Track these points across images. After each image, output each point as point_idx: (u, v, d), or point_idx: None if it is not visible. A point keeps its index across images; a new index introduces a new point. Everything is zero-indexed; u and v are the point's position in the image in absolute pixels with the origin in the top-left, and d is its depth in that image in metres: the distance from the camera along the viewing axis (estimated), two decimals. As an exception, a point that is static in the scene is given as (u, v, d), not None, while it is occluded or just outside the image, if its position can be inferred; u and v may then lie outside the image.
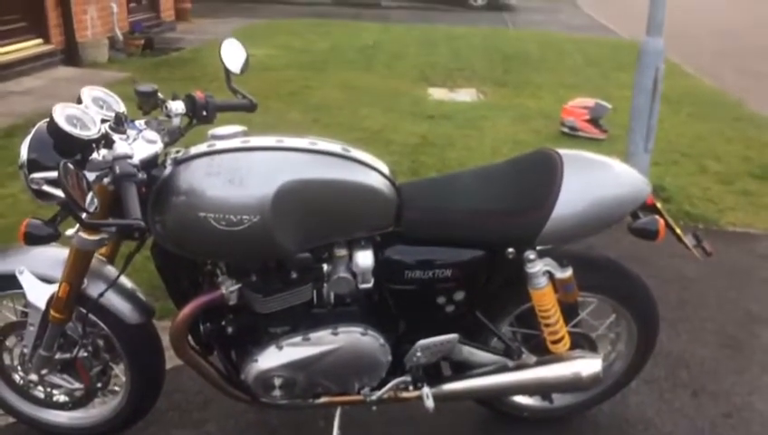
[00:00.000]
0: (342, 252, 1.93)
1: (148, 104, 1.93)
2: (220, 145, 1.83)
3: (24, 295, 2.01)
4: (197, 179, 1.77)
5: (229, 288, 1.91)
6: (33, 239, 1.73)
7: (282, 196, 1.76)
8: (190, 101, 1.98)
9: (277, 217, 1.76)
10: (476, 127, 5.57)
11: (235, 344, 2.06)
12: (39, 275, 1.98)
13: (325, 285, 1.97)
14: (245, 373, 2.02)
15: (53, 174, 1.70)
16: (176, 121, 1.95)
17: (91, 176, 1.66)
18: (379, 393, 2.11)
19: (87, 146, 1.72)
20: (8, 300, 2.13)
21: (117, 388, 2.20)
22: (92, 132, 1.72)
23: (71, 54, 7.20)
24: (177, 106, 1.95)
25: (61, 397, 2.19)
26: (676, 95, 6.74)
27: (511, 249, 1.96)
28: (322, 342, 1.99)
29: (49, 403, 2.20)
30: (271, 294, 1.92)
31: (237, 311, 1.98)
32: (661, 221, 1.98)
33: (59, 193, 1.71)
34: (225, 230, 1.75)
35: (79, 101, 1.84)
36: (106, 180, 1.69)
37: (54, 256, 2.03)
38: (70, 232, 1.85)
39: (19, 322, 2.09)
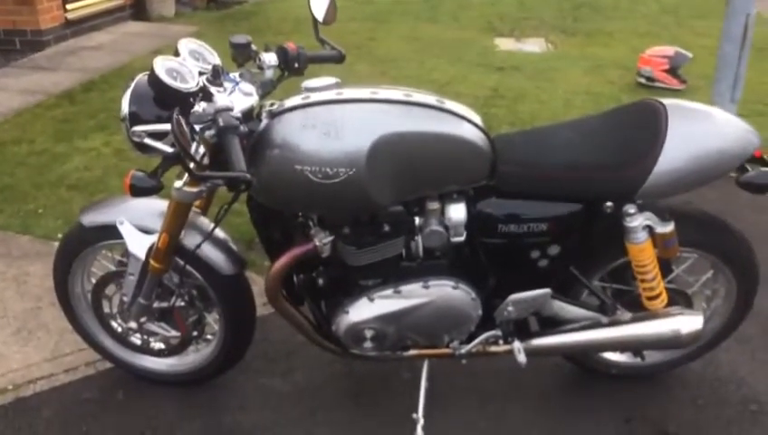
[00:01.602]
0: (435, 205, 1.91)
1: (241, 56, 1.93)
2: (315, 97, 1.82)
3: (124, 245, 2.06)
4: (293, 132, 1.77)
5: (322, 241, 1.91)
6: (138, 191, 1.75)
7: (377, 148, 1.74)
8: (282, 53, 1.97)
9: (372, 169, 1.74)
10: (547, 78, 5.42)
11: (326, 296, 2.08)
12: (138, 225, 2.03)
13: (417, 238, 1.96)
14: (336, 325, 2.04)
15: (155, 127, 1.74)
16: (268, 74, 1.94)
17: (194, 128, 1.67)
18: (468, 347, 2.10)
19: (186, 98, 1.73)
20: (107, 250, 2.19)
21: (210, 336, 2.26)
22: (191, 85, 1.73)
23: (139, 9, 7.27)
24: (270, 58, 1.93)
25: (157, 344, 2.26)
26: (761, 42, 6.39)
27: (609, 203, 1.90)
28: (413, 295, 1.99)
29: (145, 350, 2.27)
30: (363, 247, 1.92)
31: (329, 263, 1.99)
32: (773, 173, 1.89)
33: (160, 146, 1.74)
34: (320, 183, 1.75)
35: (176, 54, 1.85)
36: (208, 133, 1.70)
37: (152, 208, 2.08)
38: (177, 184, 1.87)
39: (118, 271, 2.15)
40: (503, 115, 4.54)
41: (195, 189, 1.88)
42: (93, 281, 2.24)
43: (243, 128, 1.67)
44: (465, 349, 2.11)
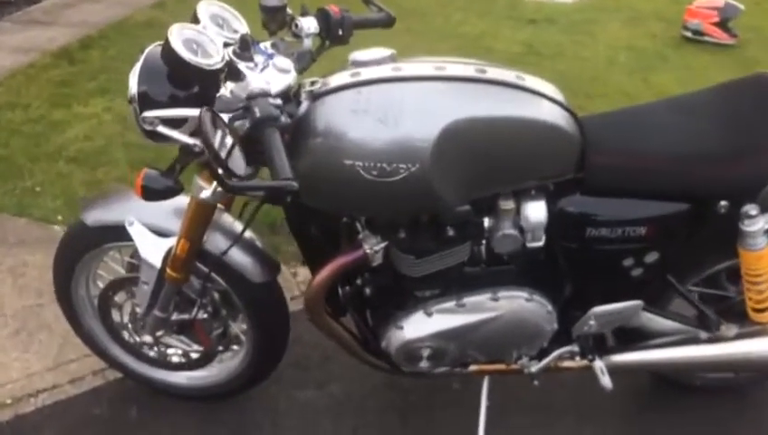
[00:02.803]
0: (509, 204, 1.57)
1: (275, 22, 1.57)
2: (367, 74, 1.46)
3: (134, 249, 1.74)
4: (342, 118, 1.42)
5: (374, 247, 1.59)
6: (152, 194, 1.43)
7: (446, 138, 1.39)
8: (323, 17, 1.61)
9: (440, 164, 1.40)
10: (585, 32, 4.98)
11: (374, 308, 1.77)
12: (151, 226, 1.70)
13: (485, 242, 1.63)
14: (387, 341, 1.73)
15: (170, 112, 1.40)
16: (307, 43, 1.59)
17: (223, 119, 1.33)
18: (541, 364, 1.80)
19: (210, 77, 1.39)
20: (115, 251, 1.87)
21: (236, 347, 1.96)
22: (216, 60, 1.38)
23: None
24: (310, 24, 1.58)
25: (176, 357, 1.96)
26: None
27: (724, 202, 1.56)
28: (480, 308, 1.67)
29: (162, 363, 1.97)
30: (424, 256, 1.59)
31: (378, 270, 1.67)
32: None
33: (177, 135, 1.42)
34: (376, 181, 1.41)
35: (195, 20, 1.49)
36: (238, 123, 1.36)
37: (167, 205, 1.72)
38: (200, 182, 1.55)
39: (129, 277, 1.84)
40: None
41: (220, 188, 1.54)
42: (100, 285, 1.93)
43: (284, 118, 1.33)
44: (536, 366, 1.80)
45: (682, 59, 4.54)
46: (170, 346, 1.90)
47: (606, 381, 1.74)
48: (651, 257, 1.64)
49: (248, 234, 1.78)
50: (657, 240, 1.61)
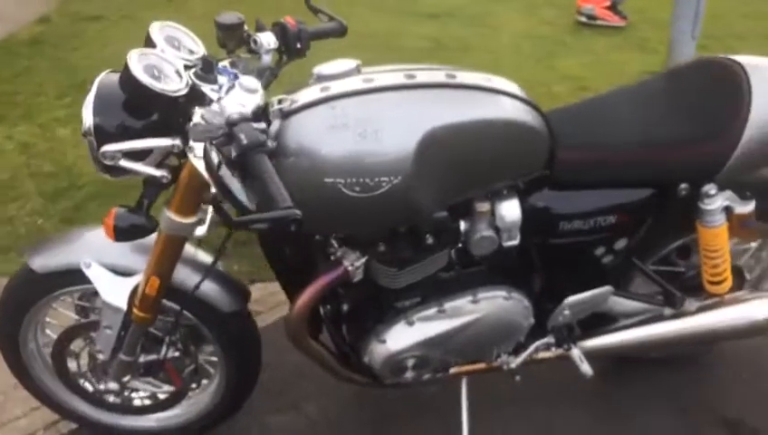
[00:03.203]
0: (485, 206, 1.57)
1: (233, 40, 1.50)
2: (337, 87, 1.41)
3: (92, 292, 1.63)
4: (318, 136, 1.36)
5: (354, 263, 1.55)
6: (125, 234, 1.34)
7: (425, 147, 1.37)
8: (281, 31, 1.55)
9: (420, 173, 1.38)
10: (486, 24, 5.08)
11: (353, 324, 1.73)
12: (110, 266, 1.59)
13: (462, 246, 1.63)
14: (369, 356, 1.70)
15: (132, 144, 1.32)
16: (266, 59, 1.52)
17: (199, 148, 1.25)
18: (519, 359, 1.83)
19: (174, 103, 1.31)
20: (66, 296, 1.73)
21: (205, 381, 1.87)
22: (181, 85, 1.31)
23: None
24: (268, 39, 1.51)
25: (142, 401, 1.85)
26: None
27: (685, 185, 1.63)
28: (461, 312, 1.67)
29: (128, 409, 1.85)
30: (405, 266, 1.57)
31: (356, 286, 1.63)
32: None
33: (143, 169, 1.34)
34: (358, 197, 1.37)
35: (149, 44, 1.40)
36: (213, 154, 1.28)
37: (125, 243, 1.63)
38: (169, 214, 1.46)
39: (86, 323, 1.71)
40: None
41: (192, 220, 1.46)
42: (50, 334, 1.79)
43: (270, 143, 1.26)
44: (515, 362, 1.82)
45: (581, 43, 4.73)
46: (137, 390, 1.78)
47: (585, 367, 1.79)
48: (620, 244, 1.69)
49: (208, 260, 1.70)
50: (626, 227, 1.66)
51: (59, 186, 3.06)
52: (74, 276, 1.60)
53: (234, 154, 1.21)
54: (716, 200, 1.64)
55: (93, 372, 1.77)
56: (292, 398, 2.09)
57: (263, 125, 1.27)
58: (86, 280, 1.60)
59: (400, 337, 1.67)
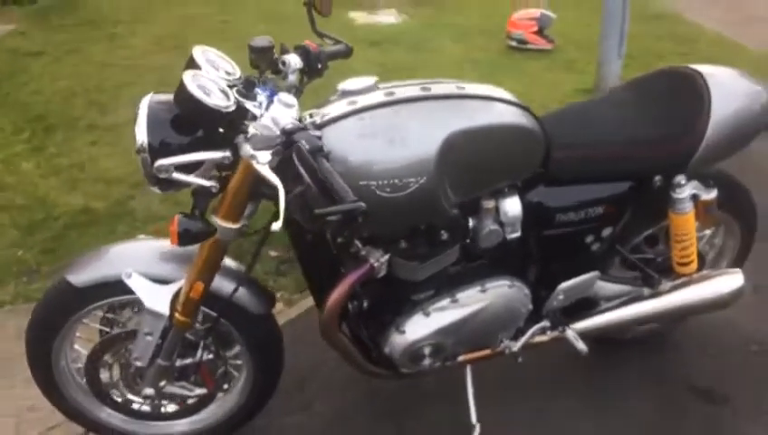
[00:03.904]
0: (490, 203, 1.77)
1: (264, 61, 1.64)
2: (364, 101, 1.59)
3: (119, 305, 1.73)
4: (352, 144, 1.53)
5: (379, 260, 1.71)
6: (189, 238, 1.45)
7: (445, 150, 1.56)
8: (304, 53, 1.70)
9: (441, 174, 1.57)
10: (425, 50, 5.38)
11: (373, 318, 1.87)
12: (149, 275, 1.68)
13: (470, 241, 1.81)
14: (390, 347, 1.85)
15: (183, 158, 1.44)
16: (292, 78, 1.67)
17: (266, 157, 1.38)
18: (520, 343, 2.01)
19: (225, 118, 1.44)
20: (98, 310, 1.80)
21: (228, 384, 1.96)
22: (230, 102, 1.44)
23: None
24: (294, 60, 1.66)
25: (171, 407, 1.92)
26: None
27: (659, 177, 1.88)
28: (471, 301, 1.85)
29: (158, 416, 1.93)
30: (425, 260, 1.74)
31: (376, 283, 1.78)
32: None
33: (195, 180, 1.46)
34: (389, 197, 1.54)
35: (192, 65, 1.53)
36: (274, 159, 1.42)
37: (159, 253, 1.75)
38: (218, 221, 1.56)
39: (122, 333, 1.78)
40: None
41: (237, 225, 1.58)
42: (78, 348, 1.85)
43: (325, 148, 1.41)
44: (516, 346, 2.00)
45: (516, 65, 5.07)
46: (171, 395, 1.86)
47: (581, 345, 1.99)
48: (607, 232, 1.92)
49: (236, 266, 1.81)
50: (612, 216, 1.89)
51: (34, 218, 3.07)
52: (111, 288, 1.69)
53: (297, 160, 1.35)
54: (686, 189, 1.89)
55: (126, 382, 1.84)
56: (303, 399, 2.20)
57: (318, 132, 1.42)
58: (123, 291, 1.69)
59: (418, 327, 1.83)
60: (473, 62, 5.11)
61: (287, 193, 1.35)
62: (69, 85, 4.41)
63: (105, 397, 1.88)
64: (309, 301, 2.61)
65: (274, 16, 6.12)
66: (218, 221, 1.57)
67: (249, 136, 1.42)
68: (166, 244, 1.77)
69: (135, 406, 1.90)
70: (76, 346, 1.86)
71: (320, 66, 1.73)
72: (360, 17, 6.65)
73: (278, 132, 1.42)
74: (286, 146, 1.39)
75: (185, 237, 1.44)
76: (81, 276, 1.69)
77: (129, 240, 1.84)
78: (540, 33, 5.40)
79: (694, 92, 1.85)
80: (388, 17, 6.71)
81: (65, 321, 1.75)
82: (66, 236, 2.95)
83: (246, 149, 1.44)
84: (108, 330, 1.82)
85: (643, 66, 5.03)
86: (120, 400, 1.89)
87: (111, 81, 4.53)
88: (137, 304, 1.79)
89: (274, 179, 1.35)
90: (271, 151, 1.40)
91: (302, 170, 1.29)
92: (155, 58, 5.08)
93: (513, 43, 5.44)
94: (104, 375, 1.86)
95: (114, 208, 3.14)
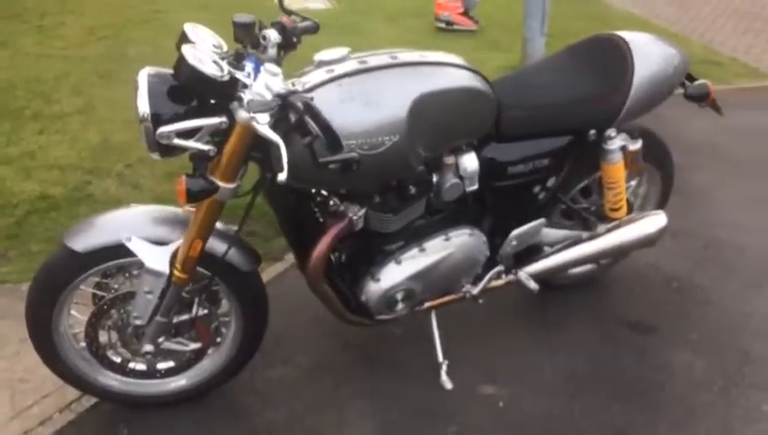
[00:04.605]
0: (451, 160, 1.99)
1: (246, 36, 1.80)
2: (340, 69, 1.79)
3: (114, 269, 1.88)
4: (334, 108, 1.71)
5: (357, 214, 1.91)
6: (196, 195, 1.60)
7: (414, 111, 1.77)
8: (281, 29, 1.87)
9: (411, 133, 1.78)
10: (358, 32, 5.57)
11: (350, 270, 2.07)
12: (147, 238, 1.83)
13: (434, 194, 2.03)
14: (366, 295, 2.06)
15: (183, 124, 1.60)
16: (271, 52, 1.84)
17: (265, 118, 1.56)
18: (479, 287, 2.24)
19: (224, 87, 1.61)
20: (95, 275, 1.92)
21: (219, 338, 2.12)
22: (225, 72, 1.61)
23: None
24: (274, 35, 1.83)
25: (165, 364, 2.08)
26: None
27: (593, 131, 2.15)
28: (437, 249, 2.07)
29: (154, 373, 2.07)
30: (398, 212, 1.95)
31: (351, 237, 1.98)
32: (710, 84, 2.26)
33: (194, 144, 1.62)
34: (366, 155, 1.74)
35: (184, 40, 1.68)
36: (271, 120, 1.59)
37: (154, 216, 1.89)
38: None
39: (119, 296, 1.92)
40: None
41: (233, 185, 1.74)
42: (74, 313, 1.97)
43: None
44: (476, 290, 2.24)
45: (444, 45, 5.28)
46: (168, 351, 2.00)
47: (533, 284, 2.25)
48: (551, 182, 2.18)
49: (225, 227, 1.97)
50: (555, 167, 2.15)
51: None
52: (111, 252, 1.82)
53: (293, 118, 1.54)
54: (616, 141, 2.18)
55: (124, 342, 1.97)
56: (282, 354, 2.37)
57: (310, 94, 1.60)
58: (122, 254, 1.83)
59: (391, 275, 2.04)
60: (404, 42, 5.29)
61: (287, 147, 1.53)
62: (7, 77, 4.38)
63: (103, 359, 2.01)
64: (277, 268, 2.79)
65: (204, 5, 6.18)
66: (218, 181, 1.73)
67: (246, 101, 1.59)
68: (158, 209, 1.93)
69: (132, 365, 2.04)
70: (72, 311, 1.97)
71: (294, 40, 1.90)
72: (289, 3, 6.75)
73: (272, 97, 1.59)
74: (282, 108, 1.57)
75: (192, 195, 1.59)
76: (82, 242, 1.81)
77: (121, 207, 1.95)
78: (466, 14, 5.68)
79: (619, 56, 2.13)
80: (316, 3, 6.84)
81: (67, 286, 1.86)
82: (27, 222, 3.01)
83: (242, 113, 1.62)
84: (103, 294, 1.94)
85: (563, 43, 5.29)
86: (118, 360, 2.02)
87: (50, 71, 4.52)
88: (130, 268, 1.93)
89: (275, 137, 1.52)
90: (269, 113, 1.57)
91: (312, 123, 1.47)
92: (90, 48, 5.08)
93: (442, 25, 5.70)
94: (103, 338, 1.98)
95: (72, 194, 3.20)
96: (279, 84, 1.62)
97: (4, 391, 2.19)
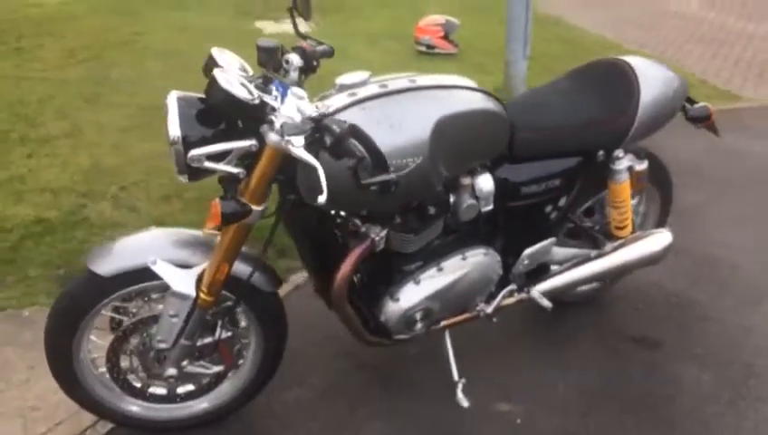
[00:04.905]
0: (467, 180, 2.03)
1: (270, 60, 1.82)
2: (363, 93, 1.82)
3: (153, 288, 1.86)
4: None
5: (379, 234, 1.93)
6: (231, 218, 1.61)
7: (436, 133, 1.81)
8: (302, 53, 1.90)
9: (434, 154, 1.82)
10: (343, 56, 5.40)
11: (370, 290, 2.08)
12: (172, 261, 1.82)
13: (451, 214, 2.06)
14: (386, 314, 2.07)
15: (213, 148, 1.62)
16: (293, 76, 1.86)
17: (300, 141, 1.57)
18: (493, 306, 2.27)
19: (254, 111, 1.63)
20: (117, 300, 1.90)
21: (241, 361, 2.11)
22: (255, 95, 1.63)
23: None
24: (296, 59, 1.85)
25: (185, 387, 2.06)
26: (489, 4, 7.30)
27: (601, 152, 2.21)
28: (454, 268, 2.10)
29: (172, 397, 2.05)
30: (419, 232, 1.98)
31: (370, 258, 1.99)
32: (710, 106, 2.35)
33: (224, 167, 1.64)
34: None
35: (212, 64, 1.70)
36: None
37: (177, 240, 1.89)
38: None
39: (142, 319, 1.90)
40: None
41: (261, 207, 1.75)
42: (94, 339, 1.94)
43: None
44: (490, 308, 2.27)
45: (428, 68, 5.37)
46: (190, 375, 1.99)
47: (546, 302, 2.28)
48: (562, 201, 2.23)
49: (247, 249, 1.97)
50: (566, 187, 2.20)
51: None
52: (136, 276, 1.81)
53: (329, 142, 1.55)
54: (623, 162, 2.24)
55: (145, 366, 1.95)
56: (295, 376, 2.36)
57: (343, 118, 1.62)
58: (146, 278, 1.82)
59: (410, 295, 2.06)
60: (387, 65, 5.38)
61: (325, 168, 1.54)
62: (-12, 102, 4.31)
63: (124, 384, 1.98)
64: (283, 288, 2.78)
65: (184, 27, 6.17)
66: (249, 205, 1.73)
67: (279, 124, 1.60)
68: (179, 232, 1.93)
69: (152, 390, 2.01)
70: (92, 337, 1.94)
71: (315, 64, 1.93)
72: (267, 26, 6.78)
73: (302, 120, 1.61)
74: (315, 131, 1.59)
75: (227, 217, 1.60)
76: (106, 266, 1.80)
77: (142, 230, 1.94)
78: (446, 38, 5.76)
79: (625, 80, 2.20)
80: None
81: (89, 311, 1.84)
82: (23, 247, 2.95)
83: (273, 136, 1.64)
84: (121, 318, 1.92)
85: (543, 66, 5.52)
86: (138, 385, 2.00)
87: (32, 94, 4.45)
88: (149, 292, 1.91)
89: (312, 160, 1.54)
90: (303, 136, 1.58)
91: (358, 145, 1.49)
92: (70, 71, 5.01)
93: (422, 48, 5.77)
94: (124, 363, 1.96)
95: (67, 217, 3.15)
96: (311, 107, 1.64)
97: (15, 419, 2.14)
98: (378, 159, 1.51)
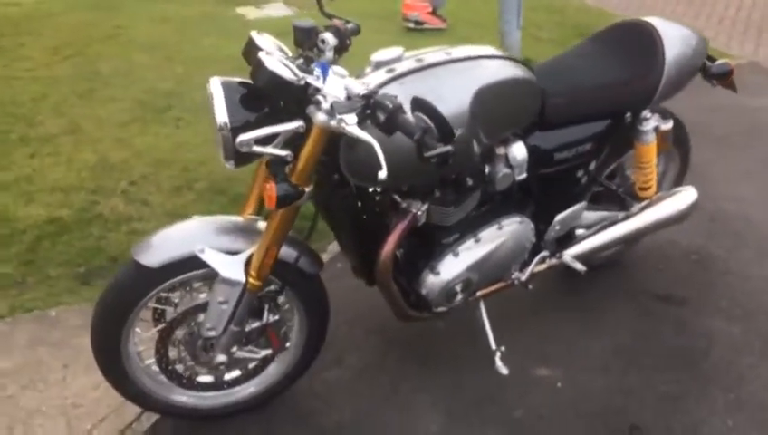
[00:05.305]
0: (502, 150, 2.04)
1: (307, 40, 1.80)
2: (401, 68, 1.81)
3: (194, 277, 1.86)
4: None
5: (420, 209, 1.93)
6: (286, 201, 1.61)
7: (475, 103, 1.82)
8: (336, 32, 1.88)
9: (473, 124, 1.82)
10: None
11: (411, 264, 2.09)
12: (219, 248, 1.81)
13: (487, 184, 2.07)
14: (427, 288, 2.08)
15: (263, 131, 1.61)
16: (329, 55, 1.84)
17: (353, 119, 1.56)
18: (527, 273, 2.29)
19: (300, 92, 1.62)
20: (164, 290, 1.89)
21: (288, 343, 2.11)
22: (300, 76, 1.61)
23: None
24: (331, 39, 1.84)
25: (231, 373, 2.06)
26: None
27: (629, 113, 2.22)
28: (491, 238, 2.12)
29: (219, 385, 2.05)
30: (459, 204, 1.98)
31: (411, 232, 2.00)
32: (730, 62, 2.37)
33: (272, 151, 1.63)
34: None
35: (253, 48, 1.68)
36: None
37: (218, 226, 1.87)
38: None
39: (192, 307, 1.89)
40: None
41: (309, 189, 1.74)
42: (138, 331, 1.93)
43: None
44: (525, 276, 2.29)
45: (420, 43, 5.27)
46: (238, 360, 1.99)
47: (579, 266, 2.31)
48: (592, 165, 2.24)
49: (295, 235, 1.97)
50: (596, 151, 2.22)
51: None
52: (184, 265, 1.80)
53: (382, 118, 1.54)
54: (650, 122, 2.26)
55: (193, 355, 1.94)
56: (331, 356, 2.36)
57: (393, 93, 1.62)
58: (194, 267, 1.80)
59: (451, 267, 2.07)
60: (377, 43, 5.34)
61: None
62: (-15, 99, 4.22)
63: (172, 374, 1.98)
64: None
65: (165, 18, 6.06)
66: (301, 187, 1.72)
67: (330, 104, 1.59)
68: (221, 219, 1.91)
69: (199, 379, 2.01)
70: (137, 329, 1.93)
71: (348, 42, 1.91)
72: (249, 12, 6.69)
73: (353, 97, 1.60)
74: (365, 108, 1.58)
75: (282, 200, 1.60)
76: (154, 257, 1.78)
77: (184, 220, 1.92)
78: (434, 13, 5.73)
79: (650, 41, 2.21)
80: (277, 10, 6.79)
81: (137, 302, 1.82)
82: (40, 247, 2.91)
83: (320, 116, 1.62)
84: (163, 308, 1.92)
85: (531, 35, 5.53)
86: (186, 374, 1.99)
87: (25, 93, 4.37)
88: (191, 281, 1.90)
89: (367, 137, 1.53)
90: (356, 113, 1.58)
91: (422, 117, 1.49)
92: (58, 68, 4.91)
93: (411, 25, 5.74)
94: (172, 353, 1.95)
95: (80, 215, 3.11)
96: (359, 85, 1.63)
97: (59, 418, 2.13)
98: (444, 129, 1.51)
